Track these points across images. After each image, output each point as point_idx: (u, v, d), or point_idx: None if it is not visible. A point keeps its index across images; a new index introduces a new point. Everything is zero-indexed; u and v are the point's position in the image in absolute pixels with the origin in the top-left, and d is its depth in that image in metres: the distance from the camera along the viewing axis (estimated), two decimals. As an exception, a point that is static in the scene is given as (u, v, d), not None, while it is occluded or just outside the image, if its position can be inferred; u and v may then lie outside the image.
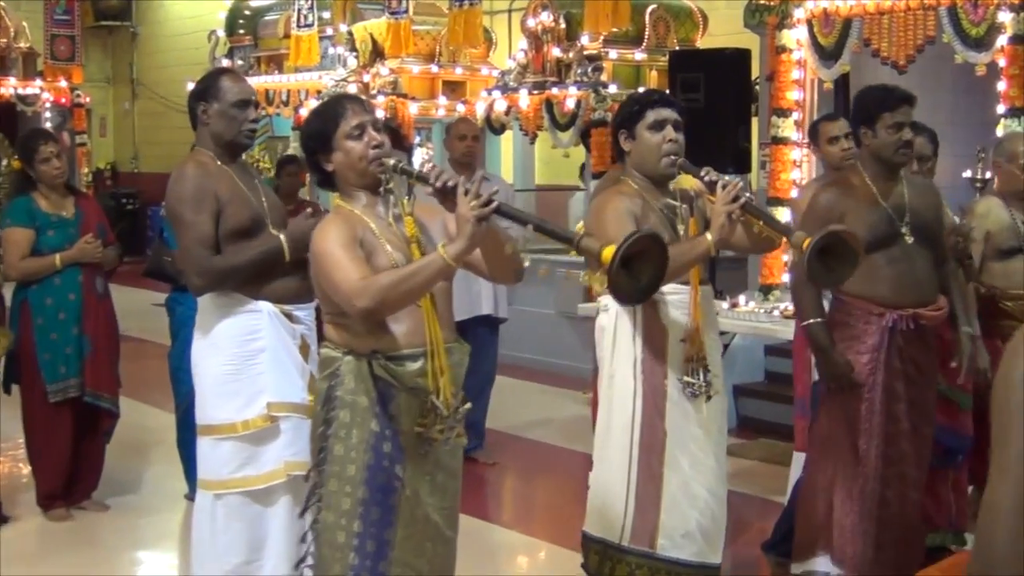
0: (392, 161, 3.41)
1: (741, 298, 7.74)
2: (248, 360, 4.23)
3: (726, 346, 8.21)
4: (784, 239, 4.01)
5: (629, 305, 3.08)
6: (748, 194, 3.94)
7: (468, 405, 3.47)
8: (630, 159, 4.22)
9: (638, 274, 3.11)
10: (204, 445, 4.33)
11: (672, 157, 4.11)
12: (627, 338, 4.20)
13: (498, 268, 3.48)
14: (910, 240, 4.49)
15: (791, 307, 5.59)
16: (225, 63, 13.29)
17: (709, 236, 3.92)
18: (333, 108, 3.49)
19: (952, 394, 5.05)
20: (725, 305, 7.48)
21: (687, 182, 4.29)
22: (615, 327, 4.23)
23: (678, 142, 4.13)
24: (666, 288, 4.10)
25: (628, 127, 4.19)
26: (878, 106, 4.49)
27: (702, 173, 4.00)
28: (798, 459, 5.67)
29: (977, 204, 5.47)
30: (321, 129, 3.46)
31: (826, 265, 3.78)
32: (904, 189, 4.57)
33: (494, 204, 3.16)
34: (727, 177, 4.01)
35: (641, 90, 9.69)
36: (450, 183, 3.23)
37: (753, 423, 8.15)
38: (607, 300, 4.26)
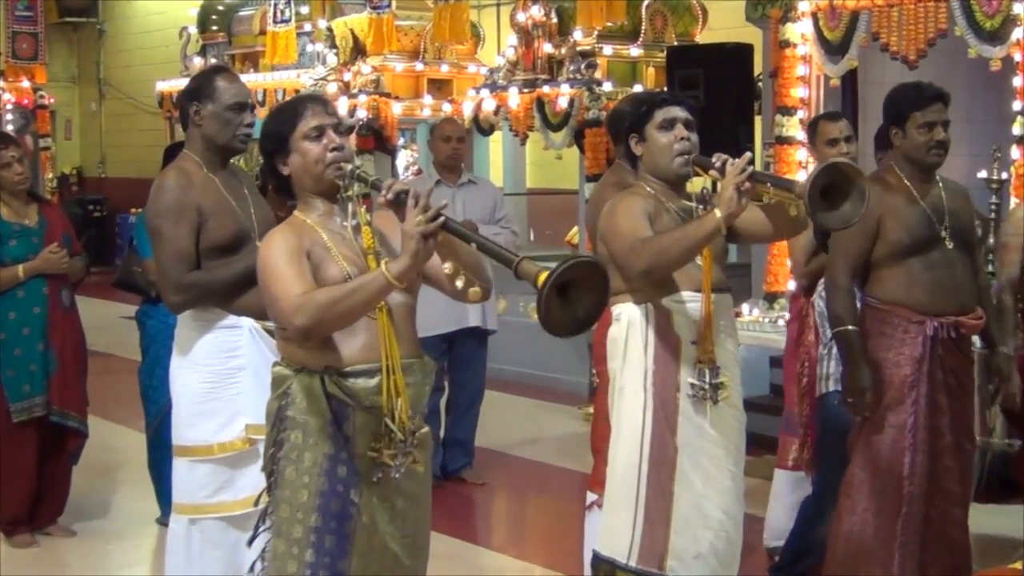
0: (350, 166, 3.38)
1: (745, 307, 7.75)
2: (227, 379, 4.23)
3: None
4: (791, 195, 3.80)
5: (560, 336, 3.02)
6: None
7: (426, 429, 3.40)
8: (643, 163, 4.23)
9: (574, 304, 3.03)
10: (180, 467, 4.32)
11: (685, 156, 4.11)
12: (638, 349, 4.20)
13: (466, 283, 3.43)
14: (950, 245, 4.51)
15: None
16: (197, 62, 13.29)
17: (718, 212, 3.86)
18: (292, 108, 3.46)
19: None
20: (729, 314, 7.48)
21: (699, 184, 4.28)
22: (626, 337, 4.23)
23: (690, 140, 4.13)
24: (679, 296, 4.12)
25: (638, 130, 4.20)
26: (908, 105, 4.52)
27: (713, 160, 3.96)
28: (780, 477, 5.67)
29: (1018, 209, 5.47)
30: (278, 129, 3.43)
31: (832, 205, 3.67)
32: (941, 191, 4.60)
33: (440, 219, 3.12)
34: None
35: (638, 89, 9.75)
36: (403, 195, 3.19)
37: (759, 439, 8.09)
38: (619, 309, 4.26)
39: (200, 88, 4.34)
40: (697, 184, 4.17)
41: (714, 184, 4.04)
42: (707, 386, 4.16)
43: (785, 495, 5.62)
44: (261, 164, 3.74)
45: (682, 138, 4.13)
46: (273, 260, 3.27)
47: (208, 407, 4.23)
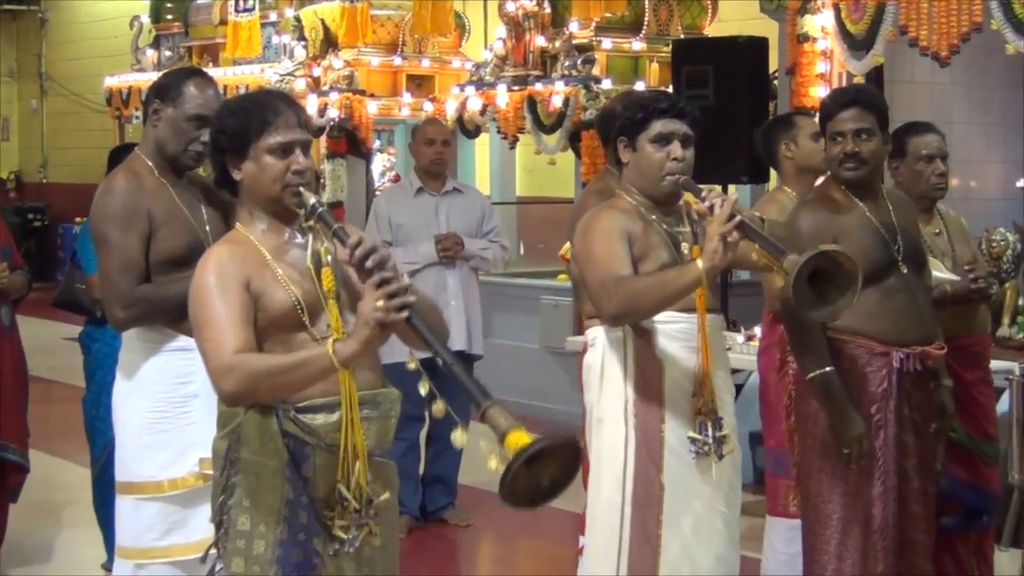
0: (312, 200, 3.32)
1: (758, 329, 7.75)
2: (178, 407, 4.23)
3: (740, 386, 8.23)
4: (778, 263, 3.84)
5: (517, 507, 2.98)
6: (755, 212, 3.94)
7: (387, 495, 3.37)
8: (627, 172, 4.25)
9: (539, 472, 2.96)
10: (124, 506, 4.32)
11: (676, 177, 4.13)
12: (617, 376, 4.21)
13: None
14: (904, 269, 4.50)
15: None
16: (150, 55, 13.32)
17: (700, 264, 3.87)
18: (262, 110, 3.38)
19: (974, 445, 5.04)
20: (740, 338, 7.50)
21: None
22: (603, 364, 4.24)
23: (684, 160, 4.14)
24: (661, 316, 4.11)
25: (630, 136, 4.21)
26: (823, 114, 4.58)
27: (703, 194, 3.99)
28: (774, 526, 5.63)
29: None
30: (241, 129, 3.37)
31: (819, 294, 3.71)
32: (889, 207, 4.60)
33: (404, 313, 3.06)
34: (727, 195, 3.97)
35: (641, 87, 9.77)
36: (367, 263, 3.12)
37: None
38: (595, 333, 4.27)
39: (167, 87, 4.34)
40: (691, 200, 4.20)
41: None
42: (711, 441, 4.16)
43: (782, 545, 5.51)
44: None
45: (675, 158, 4.13)
46: (207, 294, 3.24)
47: (157, 438, 4.23)
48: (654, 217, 4.19)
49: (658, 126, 4.15)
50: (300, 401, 3.26)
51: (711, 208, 3.90)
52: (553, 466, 2.98)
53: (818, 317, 3.84)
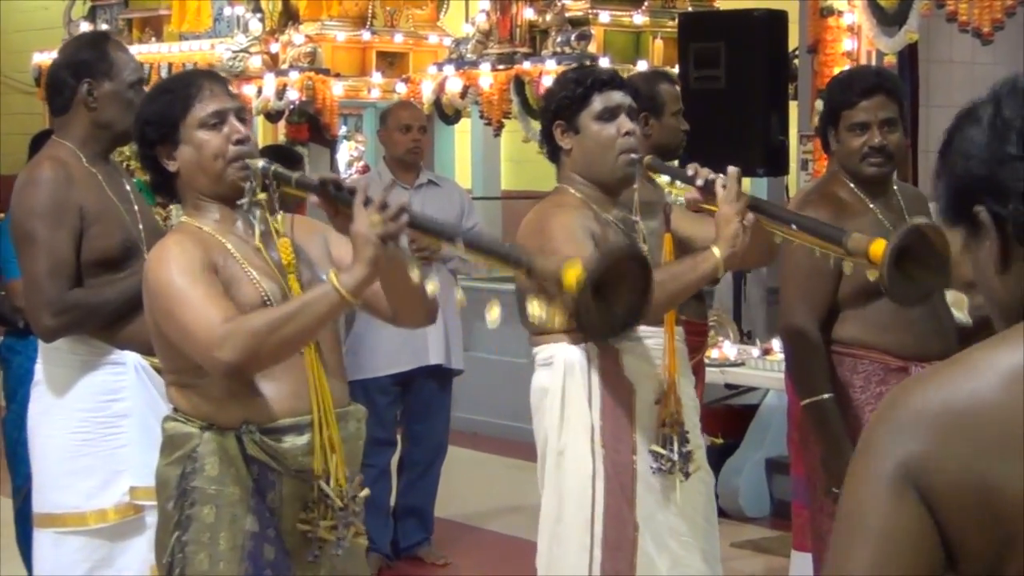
0: (261, 163, 3.36)
1: (776, 343, 7.76)
2: (106, 427, 4.22)
3: (755, 406, 8.24)
4: (836, 248, 3.79)
5: (602, 340, 3.02)
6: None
7: (366, 492, 3.40)
8: (570, 160, 4.23)
9: (610, 304, 3.07)
10: (43, 540, 4.32)
11: (631, 155, 4.13)
12: (581, 400, 4.17)
13: (403, 304, 3.44)
14: None
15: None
16: (84, 28, 13.28)
17: (717, 251, 3.90)
18: (182, 86, 3.44)
19: None
20: (756, 352, 7.50)
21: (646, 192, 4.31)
22: (563, 387, 4.19)
23: (636, 134, 4.16)
24: (640, 329, 4.07)
25: (567, 118, 4.19)
26: (838, 101, 4.56)
27: (689, 173, 3.98)
28: (796, 560, 5.65)
29: None
30: (164, 113, 3.40)
31: (906, 275, 3.67)
32: (901, 204, 4.61)
33: (404, 217, 3.14)
34: (721, 172, 3.95)
35: (643, 67, 9.77)
36: (344, 189, 3.21)
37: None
38: (550, 351, 4.23)
39: (91, 63, 4.34)
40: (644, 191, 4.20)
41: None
42: (675, 457, 4.15)
43: None
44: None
45: (627, 132, 4.13)
46: (173, 281, 3.24)
47: (81, 464, 4.23)
48: (605, 213, 4.17)
49: (600, 100, 4.14)
50: (266, 421, 3.27)
51: (705, 186, 3.89)
52: (621, 293, 3.12)
53: (912, 300, 3.79)
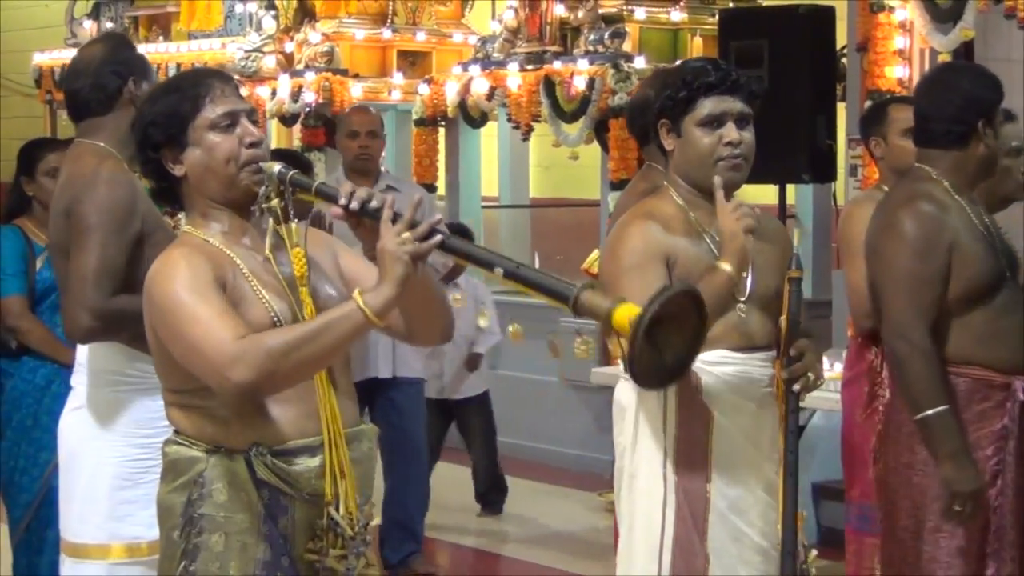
0: (277, 168, 3.33)
1: (824, 360, 7.74)
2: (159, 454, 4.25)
3: (802, 428, 8.20)
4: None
5: (650, 389, 2.99)
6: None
7: (376, 521, 3.42)
8: (673, 161, 4.23)
9: (662, 346, 3.02)
10: (92, 573, 4.34)
11: (736, 160, 4.10)
12: (655, 422, 4.18)
13: (419, 322, 3.44)
14: (1012, 282, 4.51)
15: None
16: (88, 27, 13.33)
17: (726, 265, 3.92)
18: (191, 85, 3.42)
19: None
20: (801, 370, 7.47)
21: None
22: (637, 405, 4.21)
23: (743, 143, 4.11)
24: (711, 356, 4.05)
25: (672, 119, 4.17)
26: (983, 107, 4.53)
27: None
28: None
29: None
30: (173, 113, 3.38)
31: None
32: (981, 208, 4.60)
33: (437, 238, 3.14)
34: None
35: (682, 63, 9.74)
36: (371, 204, 3.20)
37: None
38: None
39: (132, 61, 4.42)
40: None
41: None
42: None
43: None
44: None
45: (729, 142, 4.09)
46: (180, 296, 3.23)
47: (140, 492, 4.25)
48: (707, 222, 4.14)
49: (707, 105, 4.10)
50: (277, 443, 3.27)
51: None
52: (675, 333, 3.04)
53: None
